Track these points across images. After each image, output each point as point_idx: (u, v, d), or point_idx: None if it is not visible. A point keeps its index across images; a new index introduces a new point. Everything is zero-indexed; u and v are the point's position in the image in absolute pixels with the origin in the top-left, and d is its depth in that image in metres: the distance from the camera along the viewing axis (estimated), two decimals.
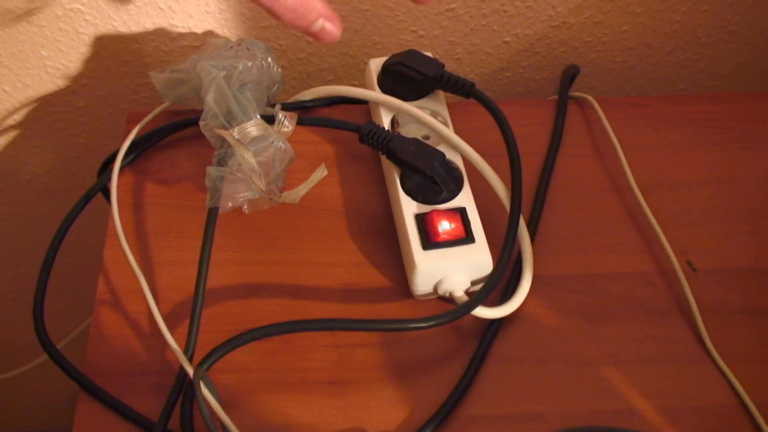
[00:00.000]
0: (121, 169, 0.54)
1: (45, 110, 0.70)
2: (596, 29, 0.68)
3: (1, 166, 0.75)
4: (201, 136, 0.51)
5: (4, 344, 0.98)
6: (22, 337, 0.95)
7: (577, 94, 0.60)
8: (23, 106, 0.70)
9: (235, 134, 0.47)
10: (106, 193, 0.56)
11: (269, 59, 0.52)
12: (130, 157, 0.55)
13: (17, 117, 0.71)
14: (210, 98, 0.48)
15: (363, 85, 0.57)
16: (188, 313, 0.47)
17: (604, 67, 0.72)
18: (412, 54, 0.54)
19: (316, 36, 0.40)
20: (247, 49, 0.52)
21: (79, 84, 0.68)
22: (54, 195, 0.79)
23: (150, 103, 0.69)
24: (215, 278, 0.50)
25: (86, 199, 0.54)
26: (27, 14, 0.62)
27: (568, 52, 0.70)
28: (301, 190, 0.48)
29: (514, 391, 0.47)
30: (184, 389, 0.45)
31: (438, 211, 0.48)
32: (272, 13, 0.39)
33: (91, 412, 0.46)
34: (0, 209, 0.80)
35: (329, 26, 0.40)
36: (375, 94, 0.54)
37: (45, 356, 0.74)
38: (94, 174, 0.58)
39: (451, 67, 0.69)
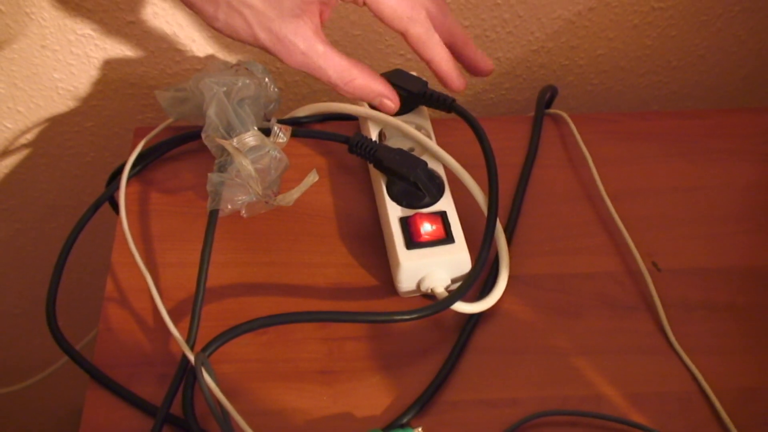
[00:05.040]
0: (129, 179, 0.58)
1: (55, 130, 0.75)
2: (573, 53, 0.73)
3: (12, 184, 0.79)
4: (202, 149, 0.55)
5: (10, 359, 1.00)
6: (28, 351, 0.98)
7: (552, 111, 0.65)
8: (35, 125, 0.74)
9: (235, 143, 0.51)
10: (114, 204, 0.60)
11: (267, 79, 0.57)
12: (137, 169, 0.59)
13: (29, 136, 0.75)
14: (211, 112, 0.53)
15: (353, 102, 0.61)
16: (190, 309, 0.50)
17: (582, 89, 0.76)
18: (398, 73, 0.58)
19: (376, 107, 0.48)
20: (246, 69, 0.57)
21: (88, 105, 0.72)
22: (61, 212, 0.83)
23: (155, 123, 0.73)
24: (215, 278, 0.53)
25: (96, 206, 0.58)
26: (41, 39, 0.66)
27: (548, 74, 0.74)
28: (295, 193, 0.52)
29: (490, 379, 0.50)
30: (185, 376, 0.49)
31: (421, 214, 0.52)
32: (339, 92, 0.47)
33: (99, 399, 0.49)
34: (10, 225, 0.84)
35: (387, 102, 0.48)
36: (364, 109, 0.58)
37: (48, 371, 0.77)
38: (101, 191, 0.61)
39: (437, 89, 0.73)
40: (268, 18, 0.43)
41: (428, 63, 0.46)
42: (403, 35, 0.45)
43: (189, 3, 0.44)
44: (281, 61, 0.45)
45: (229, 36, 0.45)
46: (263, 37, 0.44)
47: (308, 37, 0.44)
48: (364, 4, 0.44)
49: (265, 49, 0.44)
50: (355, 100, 0.47)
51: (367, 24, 0.68)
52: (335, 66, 0.45)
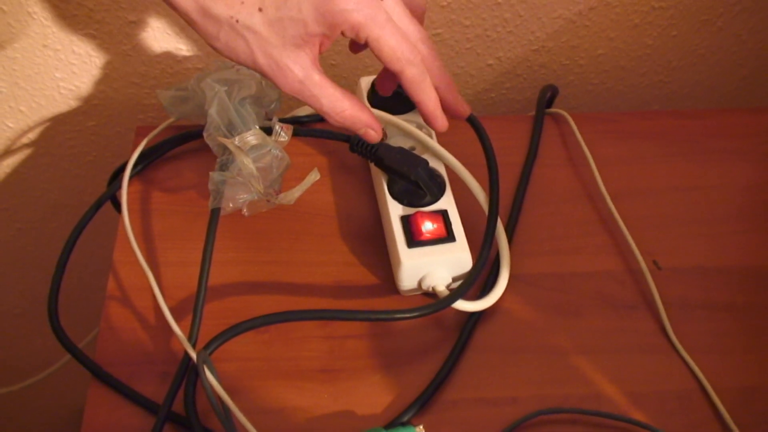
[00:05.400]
0: (130, 178, 0.58)
1: (57, 129, 0.75)
2: (573, 53, 0.73)
3: (14, 183, 0.79)
4: (203, 149, 0.55)
5: (10, 359, 1.00)
6: (29, 351, 0.98)
7: (553, 110, 0.65)
8: (37, 125, 0.74)
9: (236, 142, 0.52)
10: (115, 203, 0.60)
11: None
12: (139, 168, 0.59)
13: (31, 135, 0.75)
14: (213, 111, 0.53)
15: None
16: (191, 308, 0.50)
17: (583, 88, 0.76)
18: None
19: (361, 136, 0.50)
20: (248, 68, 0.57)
21: (89, 104, 0.73)
22: (62, 211, 0.83)
23: (156, 122, 0.74)
24: (217, 277, 0.54)
25: (97, 205, 0.58)
26: (43, 38, 0.67)
27: (548, 74, 0.75)
28: (296, 192, 0.52)
29: (491, 378, 0.50)
30: (187, 374, 0.49)
31: (422, 212, 0.52)
32: (328, 120, 0.48)
33: (101, 397, 0.49)
34: (12, 225, 0.84)
35: (371, 132, 0.49)
36: None
37: (49, 370, 0.78)
38: (103, 190, 0.61)
39: None
40: (271, 45, 0.45)
41: (417, 103, 0.49)
42: (399, 75, 0.47)
43: (190, 21, 0.46)
44: (276, 85, 0.46)
45: (227, 57, 0.47)
46: (263, 62, 0.46)
47: (306, 66, 0.46)
48: (366, 42, 0.45)
49: (261, 73, 0.46)
50: (342, 128, 0.49)
51: None
52: (329, 96, 0.47)
